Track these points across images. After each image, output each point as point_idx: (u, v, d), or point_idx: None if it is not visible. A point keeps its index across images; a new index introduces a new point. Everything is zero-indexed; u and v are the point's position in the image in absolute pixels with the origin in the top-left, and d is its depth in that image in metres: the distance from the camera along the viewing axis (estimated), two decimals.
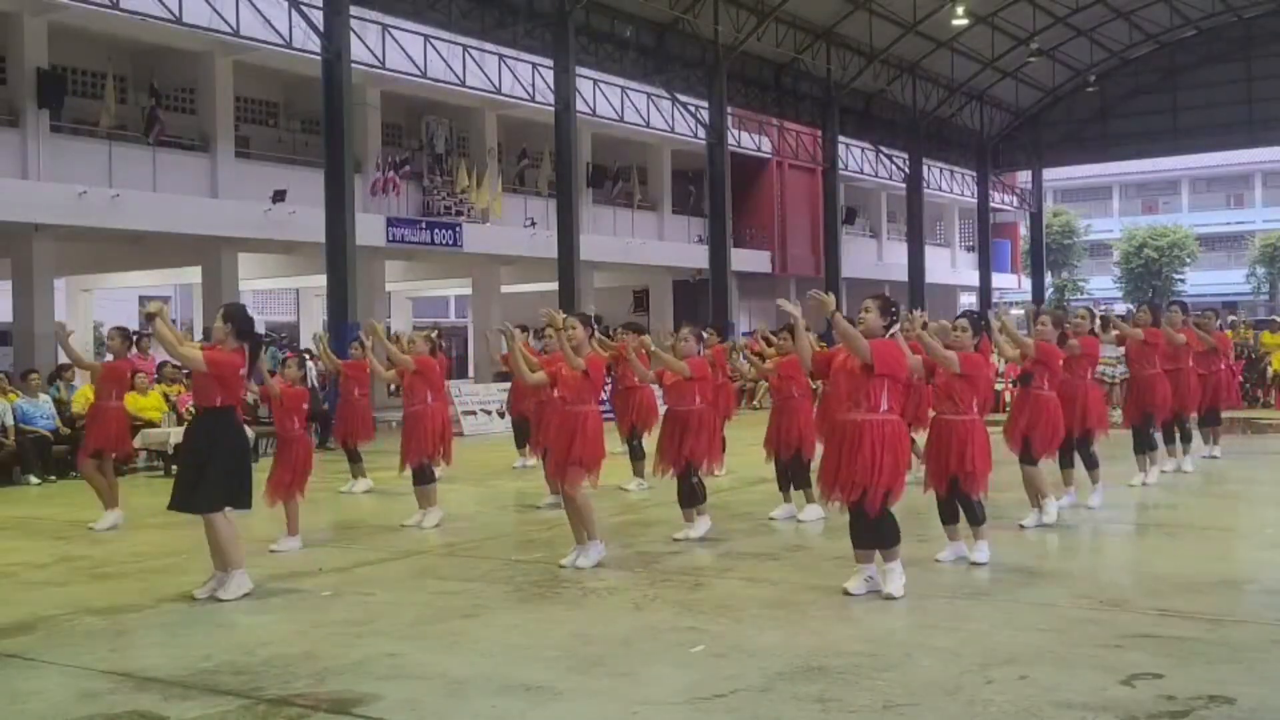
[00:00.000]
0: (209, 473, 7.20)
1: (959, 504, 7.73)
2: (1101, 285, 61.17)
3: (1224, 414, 13.67)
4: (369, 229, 23.83)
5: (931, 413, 8.07)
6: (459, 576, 7.88)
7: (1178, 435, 12.17)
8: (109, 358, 10.92)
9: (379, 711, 4.99)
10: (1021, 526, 8.93)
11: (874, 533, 6.79)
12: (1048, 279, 52.14)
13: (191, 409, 14.74)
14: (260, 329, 8.59)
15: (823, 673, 5.34)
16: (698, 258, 32.78)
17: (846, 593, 6.82)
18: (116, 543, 9.66)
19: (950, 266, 47.74)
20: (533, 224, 29.34)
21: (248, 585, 7.25)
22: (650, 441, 11.16)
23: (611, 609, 6.77)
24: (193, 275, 27.00)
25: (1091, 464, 9.94)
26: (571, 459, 7.91)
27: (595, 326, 9.01)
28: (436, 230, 26.73)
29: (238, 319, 7.41)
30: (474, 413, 20.35)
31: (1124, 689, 5.03)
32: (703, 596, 7.04)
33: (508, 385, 22.12)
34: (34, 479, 13.96)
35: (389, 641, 6.09)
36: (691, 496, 9.03)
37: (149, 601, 7.26)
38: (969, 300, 47.37)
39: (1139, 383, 11.35)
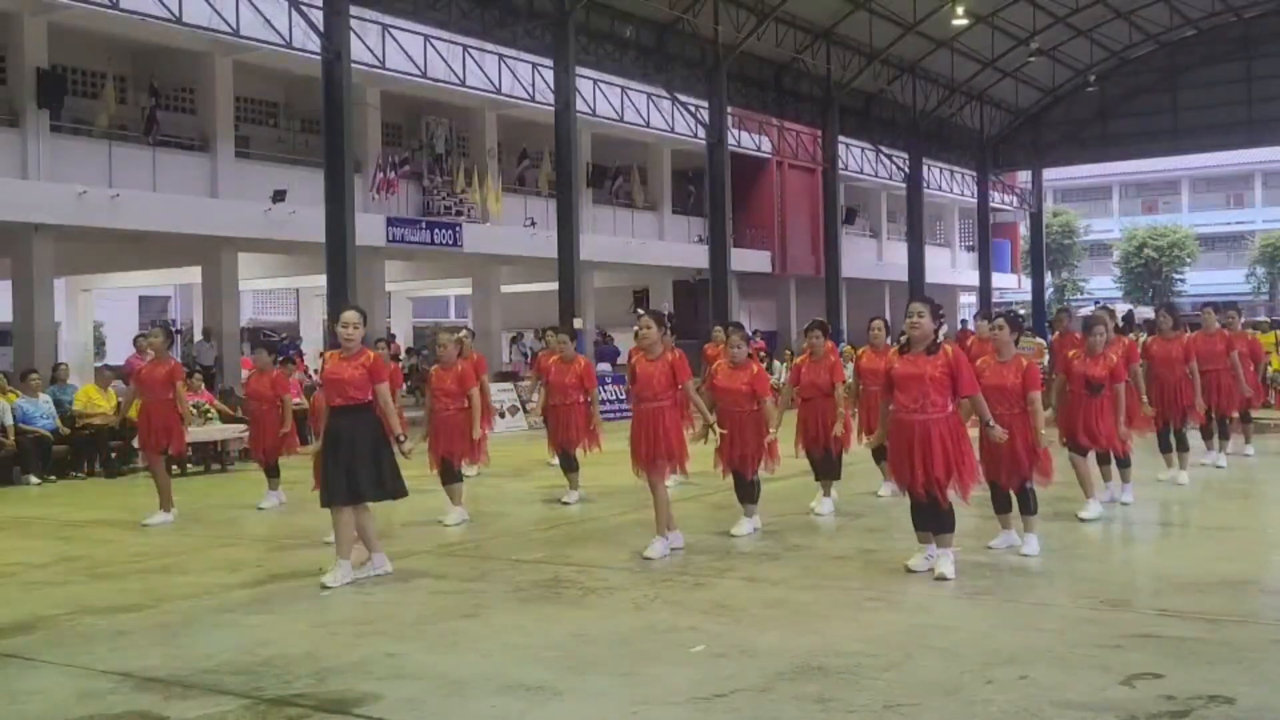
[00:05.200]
0: (387, 459, 7.71)
1: (1014, 494, 8.06)
2: (1101, 285, 61.20)
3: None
4: (369, 229, 23.82)
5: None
6: (459, 576, 7.88)
7: (1215, 433, 12.34)
8: (150, 355, 11.23)
9: (379, 711, 4.99)
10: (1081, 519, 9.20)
11: (936, 519, 7.29)
12: (1047, 279, 52.12)
13: (212, 408, 15.21)
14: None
15: (823, 673, 5.34)
16: (698, 258, 32.75)
17: (908, 569, 7.33)
18: (116, 543, 9.66)
19: (950, 266, 47.75)
20: (533, 224, 29.34)
21: (351, 575, 7.56)
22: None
23: (611, 609, 6.77)
24: (193, 275, 27.02)
25: (1124, 462, 10.06)
26: (659, 453, 8.27)
27: (669, 325, 9.21)
28: (436, 230, 26.73)
29: None
30: None
31: (1124, 689, 5.03)
32: (703, 596, 7.04)
33: (508, 385, 22.33)
34: (34, 479, 13.98)
35: (389, 641, 6.09)
36: (754, 493, 9.14)
37: (149, 601, 7.26)
38: (969, 301, 47.35)
39: (1168, 385, 11.41)
